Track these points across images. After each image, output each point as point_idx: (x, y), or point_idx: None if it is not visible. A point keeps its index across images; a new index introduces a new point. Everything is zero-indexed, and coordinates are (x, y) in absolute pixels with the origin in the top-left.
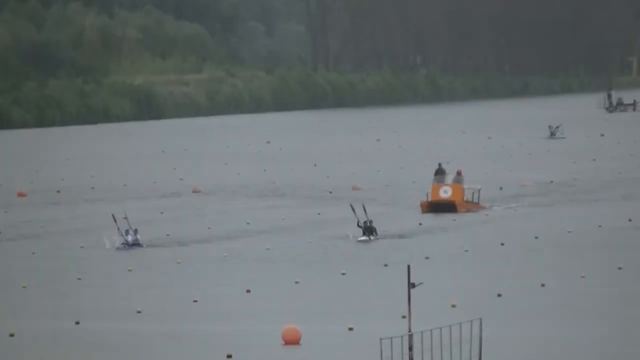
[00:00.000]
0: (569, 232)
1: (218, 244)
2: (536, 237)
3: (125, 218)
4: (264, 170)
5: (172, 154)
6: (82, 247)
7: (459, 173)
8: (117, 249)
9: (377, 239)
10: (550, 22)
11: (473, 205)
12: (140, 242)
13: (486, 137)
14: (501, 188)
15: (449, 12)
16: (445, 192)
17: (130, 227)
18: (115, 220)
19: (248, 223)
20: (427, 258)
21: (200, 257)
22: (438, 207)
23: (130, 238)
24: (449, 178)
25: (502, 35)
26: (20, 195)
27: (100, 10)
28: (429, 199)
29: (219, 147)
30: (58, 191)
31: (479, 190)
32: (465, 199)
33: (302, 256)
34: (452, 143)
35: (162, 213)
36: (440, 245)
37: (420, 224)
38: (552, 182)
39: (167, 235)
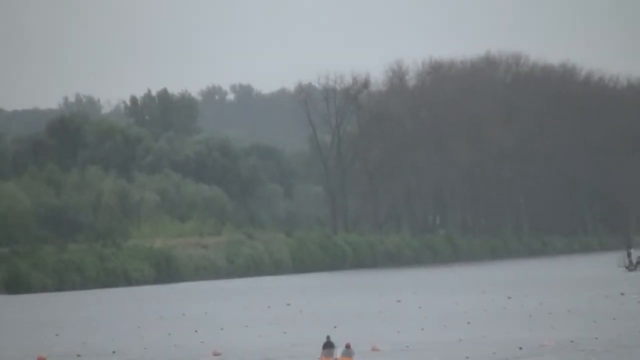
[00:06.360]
0: None
1: None
2: None
3: None
4: (284, 333)
5: (192, 317)
6: None
7: (347, 346)
8: None
9: None
10: (568, 182)
11: None
12: None
13: (506, 297)
14: (520, 348)
15: (467, 173)
16: None
17: None
18: None
19: None
20: None
21: None
22: None
23: None
24: (338, 352)
25: (520, 196)
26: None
27: (119, 174)
28: None
29: (239, 310)
30: (78, 355)
31: None
32: None
33: None
34: (472, 303)
35: None
36: None
37: None
38: (572, 341)
39: None
